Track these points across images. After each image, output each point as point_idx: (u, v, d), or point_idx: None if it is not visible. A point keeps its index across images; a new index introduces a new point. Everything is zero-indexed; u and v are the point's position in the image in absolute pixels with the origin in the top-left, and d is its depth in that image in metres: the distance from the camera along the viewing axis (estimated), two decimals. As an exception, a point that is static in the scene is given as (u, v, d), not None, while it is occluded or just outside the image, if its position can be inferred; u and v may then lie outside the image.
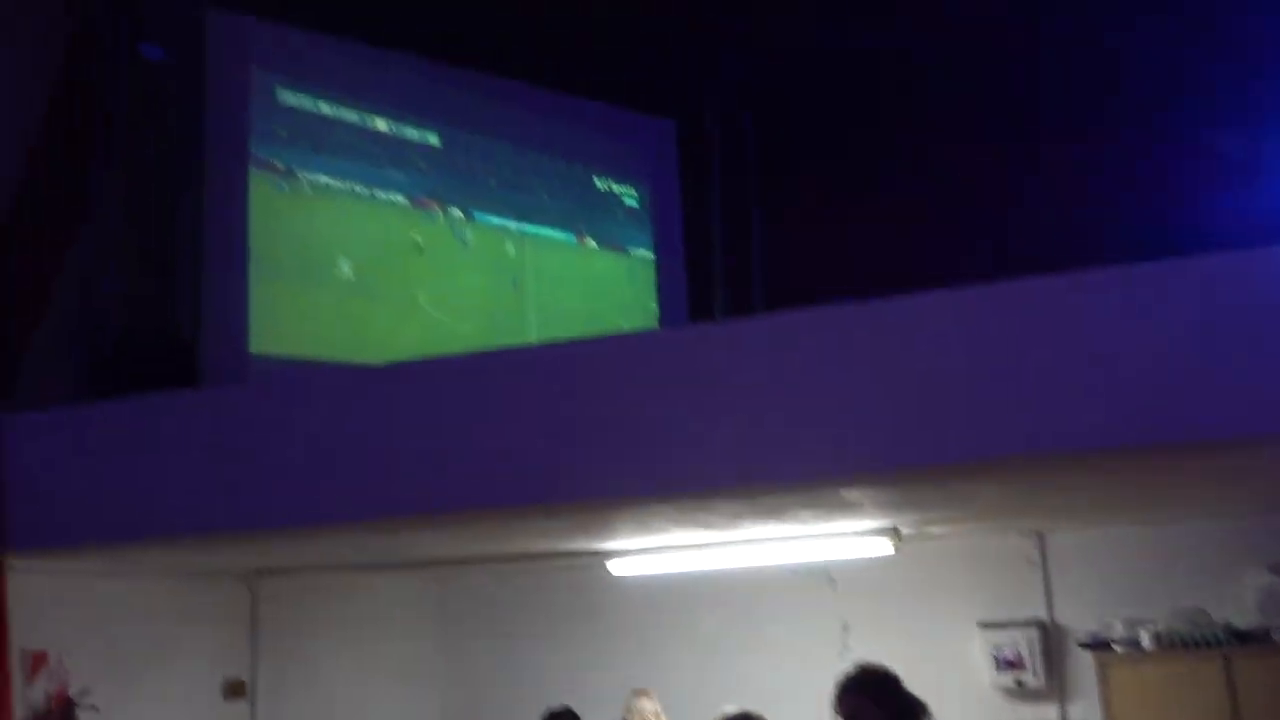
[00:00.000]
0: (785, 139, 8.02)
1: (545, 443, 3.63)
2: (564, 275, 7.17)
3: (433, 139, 6.73)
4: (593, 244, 7.37)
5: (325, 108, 6.29)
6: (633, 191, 7.63)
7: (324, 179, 6.16)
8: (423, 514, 3.82)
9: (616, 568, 5.60)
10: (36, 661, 4.72)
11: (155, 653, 5.36)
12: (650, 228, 7.62)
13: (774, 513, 4.22)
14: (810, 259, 7.73)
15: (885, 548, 5.21)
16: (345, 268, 6.08)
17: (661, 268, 7.60)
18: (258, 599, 6.00)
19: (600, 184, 7.48)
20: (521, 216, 7.01)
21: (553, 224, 7.16)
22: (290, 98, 6.15)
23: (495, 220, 6.89)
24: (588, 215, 7.34)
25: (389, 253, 6.33)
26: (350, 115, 6.37)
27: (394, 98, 6.58)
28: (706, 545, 5.17)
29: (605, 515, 4.12)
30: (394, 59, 6.61)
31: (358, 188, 6.28)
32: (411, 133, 6.63)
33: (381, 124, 6.50)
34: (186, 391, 4.46)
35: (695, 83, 7.63)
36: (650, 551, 5.36)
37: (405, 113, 6.61)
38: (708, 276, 7.48)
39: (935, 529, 5.51)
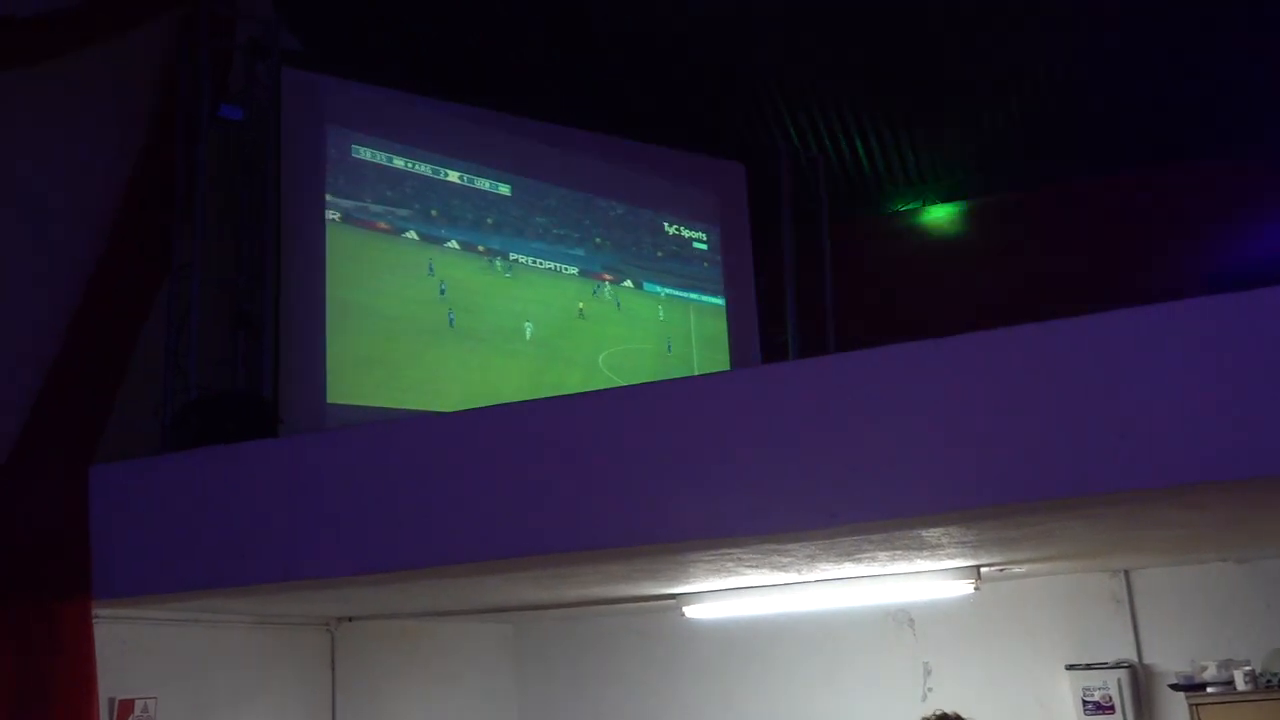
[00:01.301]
0: (851, 177, 8.04)
1: (619, 486, 3.63)
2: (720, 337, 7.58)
3: (504, 189, 6.84)
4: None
5: (399, 162, 6.42)
6: (703, 236, 7.67)
7: (521, 258, 6.85)
8: (498, 559, 3.83)
9: (693, 611, 5.57)
10: (124, 709, 4.79)
11: (239, 699, 5.42)
12: (693, 259, 7.66)
13: (850, 554, 4.17)
14: (880, 299, 7.71)
15: (965, 588, 5.12)
16: (528, 332, 6.72)
17: (732, 310, 7.60)
18: (338, 645, 6.05)
19: (670, 229, 7.54)
20: (685, 285, 7.55)
21: (709, 290, 7.65)
22: (365, 153, 6.29)
23: (658, 289, 7.44)
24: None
25: (563, 318, 6.96)
26: (424, 169, 6.52)
27: (466, 149, 6.70)
28: (783, 587, 5.12)
29: (679, 558, 4.10)
30: (463, 111, 6.74)
31: (546, 263, 6.94)
32: (483, 184, 6.75)
33: (454, 176, 6.63)
34: (266, 441, 4.53)
35: (764, 124, 7.65)
36: (726, 594, 5.32)
37: (477, 164, 6.74)
38: (779, 318, 7.46)
39: (1018, 568, 5.41)
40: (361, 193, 6.25)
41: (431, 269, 6.43)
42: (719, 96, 7.56)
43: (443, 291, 6.42)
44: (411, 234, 6.42)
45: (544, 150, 7.03)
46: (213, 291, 5.61)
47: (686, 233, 7.60)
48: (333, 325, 5.91)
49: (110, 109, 5.43)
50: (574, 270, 7.07)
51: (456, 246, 6.58)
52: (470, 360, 6.44)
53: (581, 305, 7.03)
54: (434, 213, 6.53)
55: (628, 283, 7.30)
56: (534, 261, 6.89)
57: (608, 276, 7.22)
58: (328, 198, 6.08)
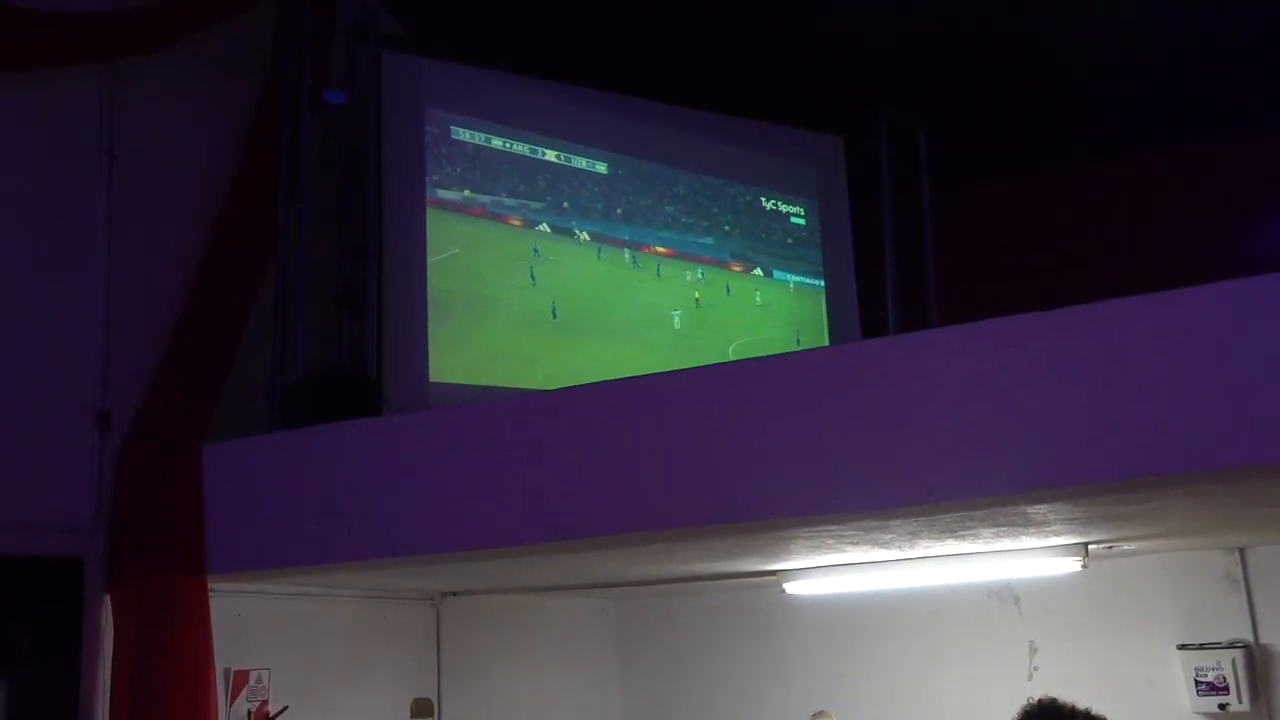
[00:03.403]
0: (957, 151, 7.87)
1: (720, 463, 3.63)
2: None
3: (601, 168, 6.86)
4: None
5: (498, 142, 6.47)
6: (800, 210, 7.60)
7: (648, 247, 6.93)
8: (601, 536, 3.86)
9: (793, 588, 5.55)
10: (239, 680, 4.95)
11: (347, 672, 5.55)
12: (819, 245, 7.58)
13: (953, 531, 4.12)
14: (983, 272, 7.56)
15: (1073, 565, 5.03)
16: (676, 320, 6.80)
17: (831, 285, 7.53)
18: (443, 620, 6.16)
19: (767, 204, 7.49)
20: (815, 272, 7.51)
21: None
22: (464, 134, 6.35)
23: (788, 277, 7.41)
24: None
25: (686, 307, 6.96)
26: (522, 148, 6.56)
27: (560, 126, 6.73)
28: (884, 564, 5.08)
29: (779, 535, 4.09)
30: (557, 89, 6.75)
31: (676, 255, 7.00)
32: (580, 162, 6.77)
33: (551, 155, 6.66)
34: (374, 419, 4.61)
35: (863, 96, 7.52)
36: (827, 571, 5.30)
37: (571, 141, 6.76)
38: (879, 293, 7.35)
39: (1128, 545, 5.30)
40: (471, 181, 6.30)
41: (536, 250, 6.45)
42: (813, 65, 7.42)
43: (533, 279, 6.41)
44: (544, 226, 6.48)
45: (637, 126, 7.01)
46: (317, 273, 5.73)
47: (784, 207, 7.54)
48: (436, 308, 5.98)
49: (217, 94, 5.55)
50: (702, 259, 7.07)
51: (588, 238, 6.64)
52: (596, 351, 6.44)
53: (698, 295, 7.00)
54: (566, 204, 6.59)
55: (757, 271, 7.26)
56: (660, 250, 6.91)
57: (736, 266, 7.19)
58: (434, 189, 6.14)
